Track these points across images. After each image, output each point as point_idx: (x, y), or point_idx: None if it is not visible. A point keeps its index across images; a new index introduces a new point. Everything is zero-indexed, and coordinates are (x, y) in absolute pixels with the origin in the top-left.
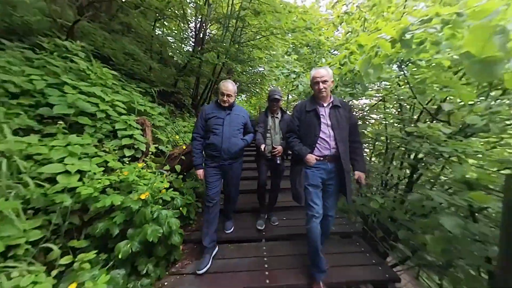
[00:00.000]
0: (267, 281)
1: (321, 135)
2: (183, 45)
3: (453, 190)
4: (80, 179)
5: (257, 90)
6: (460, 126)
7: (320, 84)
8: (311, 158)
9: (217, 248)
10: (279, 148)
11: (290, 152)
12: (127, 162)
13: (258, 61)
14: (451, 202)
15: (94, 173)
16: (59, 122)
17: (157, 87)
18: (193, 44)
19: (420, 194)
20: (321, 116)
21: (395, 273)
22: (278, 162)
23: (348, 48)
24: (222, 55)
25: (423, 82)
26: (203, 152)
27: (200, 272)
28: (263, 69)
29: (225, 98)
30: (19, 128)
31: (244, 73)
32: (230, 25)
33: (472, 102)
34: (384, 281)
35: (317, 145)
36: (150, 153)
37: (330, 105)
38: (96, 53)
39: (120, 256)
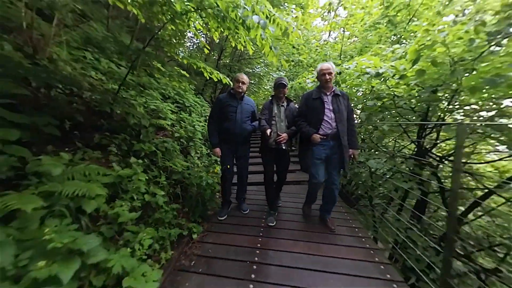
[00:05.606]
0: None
1: (325, 117)
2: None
3: None
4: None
5: (255, 89)
6: None
7: (326, 75)
8: (316, 137)
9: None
10: (284, 135)
11: (296, 138)
12: None
13: (256, 64)
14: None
15: None
16: (188, 109)
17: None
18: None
19: None
20: (325, 102)
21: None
22: (284, 147)
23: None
24: (234, 69)
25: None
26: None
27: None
28: (259, 69)
29: (240, 84)
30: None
31: (245, 73)
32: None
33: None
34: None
35: (321, 125)
36: None
37: (332, 93)
38: None
39: None
